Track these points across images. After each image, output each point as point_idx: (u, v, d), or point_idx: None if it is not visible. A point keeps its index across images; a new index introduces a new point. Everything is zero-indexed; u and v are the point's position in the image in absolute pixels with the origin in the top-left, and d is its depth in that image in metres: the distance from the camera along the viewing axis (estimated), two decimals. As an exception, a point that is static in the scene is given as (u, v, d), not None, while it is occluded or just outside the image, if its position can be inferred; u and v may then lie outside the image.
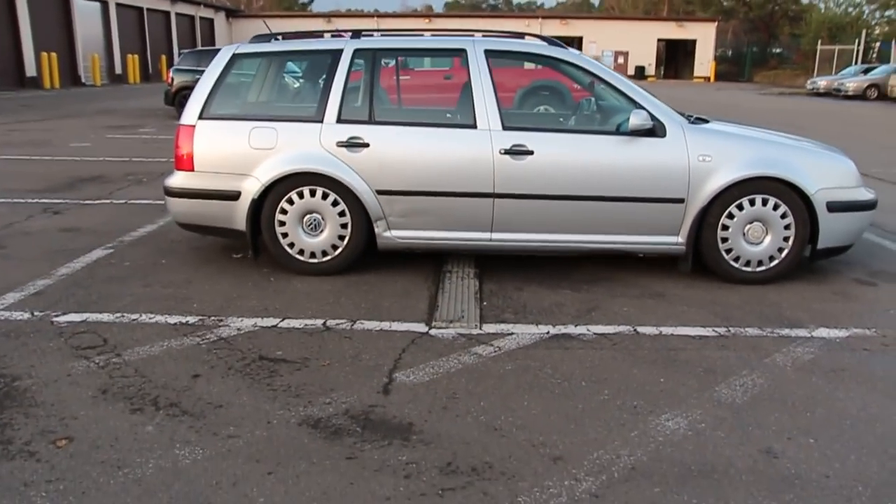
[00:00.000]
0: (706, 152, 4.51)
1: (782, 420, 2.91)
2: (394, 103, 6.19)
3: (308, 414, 2.92)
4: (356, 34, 4.89)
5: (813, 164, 4.63)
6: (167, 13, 38.26)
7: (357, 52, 4.76)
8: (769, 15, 56.11)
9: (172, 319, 3.91)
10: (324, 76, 4.77)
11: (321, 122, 4.64)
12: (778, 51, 55.14)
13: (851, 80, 30.20)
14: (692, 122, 4.69)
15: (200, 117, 4.71)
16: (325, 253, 4.71)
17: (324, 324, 3.89)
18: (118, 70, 33.21)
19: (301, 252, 4.71)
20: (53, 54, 27.14)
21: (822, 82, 32.27)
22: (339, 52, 4.75)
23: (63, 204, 6.81)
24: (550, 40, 4.91)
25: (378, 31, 5.04)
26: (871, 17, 41.46)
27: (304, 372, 3.30)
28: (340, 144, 4.58)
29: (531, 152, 4.51)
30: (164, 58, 36.27)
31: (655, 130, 4.52)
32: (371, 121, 4.71)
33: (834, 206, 4.54)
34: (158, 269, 4.84)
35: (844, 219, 4.61)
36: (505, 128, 4.57)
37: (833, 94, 30.20)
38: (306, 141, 4.63)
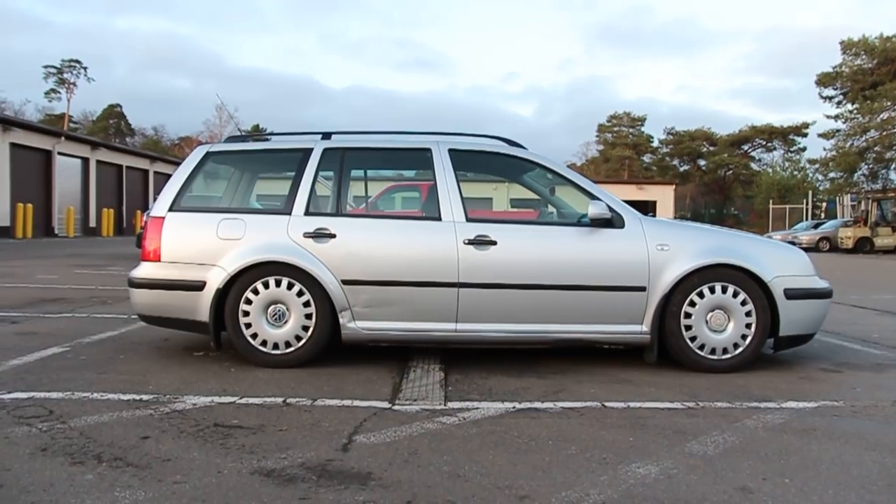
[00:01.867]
0: (664, 242, 4.64)
1: (756, 466, 2.81)
2: (361, 197, 6.34)
3: (261, 466, 2.76)
4: (326, 135, 5.09)
5: (768, 253, 4.77)
6: (146, 171, 39.39)
7: (326, 151, 4.94)
8: (722, 179, 59.41)
9: (126, 397, 3.76)
10: (293, 172, 4.91)
11: (289, 214, 4.72)
12: (735, 212, 57.79)
13: (804, 234, 31.62)
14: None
15: (170, 209, 4.77)
16: (288, 344, 4.62)
17: (283, 401, 3.75)
18: (92, 223, 33.58)
19: (264, 343, 4.62)
20: (29, 205, 27.48)
21: (777, 237, 33.59)
22: (310, 150, 4.93)
23: (22, 316, 6.67)
24: (512, 141, 5.15)
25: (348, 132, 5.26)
26: (814, 179, 44.06)
27: (260, 435, 3.15)
28: (307, 235, 4.64)
29: (494, 242, 4.61)
30: (139, 212, 36.84)
31: (614, 221, 4.67)
32: (338, 213, 4.82)
33: (792, 294, 4.63)
34: (116, 361, 4.69)
35: (803, 306, 4.69)
36: (468, 220, 4.69)
37: (789, 247, 31.42)
38: (274, 232, 4.69)
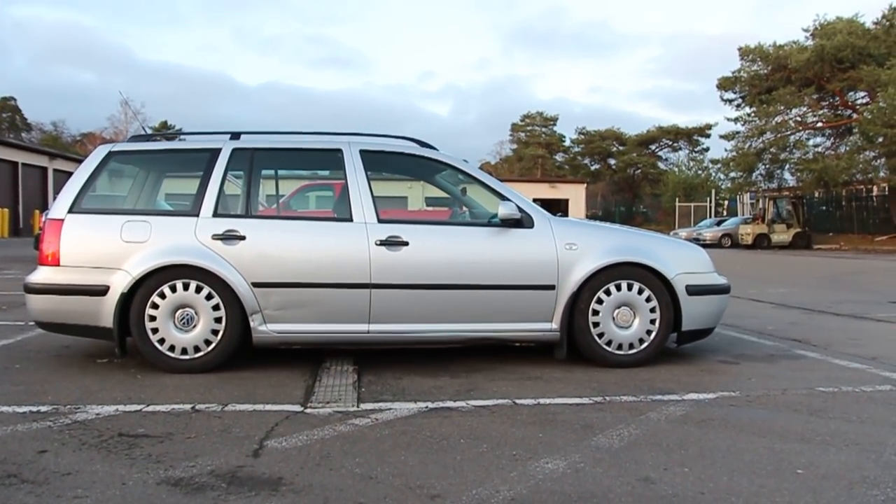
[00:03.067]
0: (572, 241, 4.77)
1: (658, 457, 2.94)
2: (273, 196, 6.25)
3: (169, 476, 2.69)
4: (235, 135, 4.99)
5: (670, 252, 4.98)
6: (44, 168, 37.49)
7: (235, 151, 4.84)
8: (632, 178, 61.32)
9: (22, 409, 3.58)
10: (201, 173, 4.78)
11: (197, 215, 4.61)
12: (643, 209, 59.72)
13: (708, 231, 33.13)
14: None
15: (70, 211, 4.58)
16: (197, 349, 4.51)
17: (192, 408, 3.66)
18: (-15, 224, 31.75)
19: (172, 348, 4.49)
20: (-88, 207, 25.75)
21: (682, 233, 34.94)
22: (218, 150, 4.81)
23: None
24: (422, 142, 5.18)
25: (257, 132, 5.17)
26: (717, 178, 46.07)
27: (168, 443, 3.07)
28: (216, 237, 4.54)
29: (406, 243, 4.63)
30: (37, 212, 35.06)
31: (523, 221, 4.77)
32: (248, 214, 4.74)
33: (693, 290, 4.85)
34: (10, 371, 4.47)
35: (704, 301, 4.91)
36: (380, 220, 4.69)
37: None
38: (181, 234, 4.56)
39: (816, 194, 35.50)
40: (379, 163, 5.19)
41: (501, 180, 5.14)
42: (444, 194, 6.03)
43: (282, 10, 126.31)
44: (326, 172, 9.58)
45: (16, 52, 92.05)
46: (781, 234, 30.23)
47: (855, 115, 33.06)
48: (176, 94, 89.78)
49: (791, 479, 2.71)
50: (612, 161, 63.68)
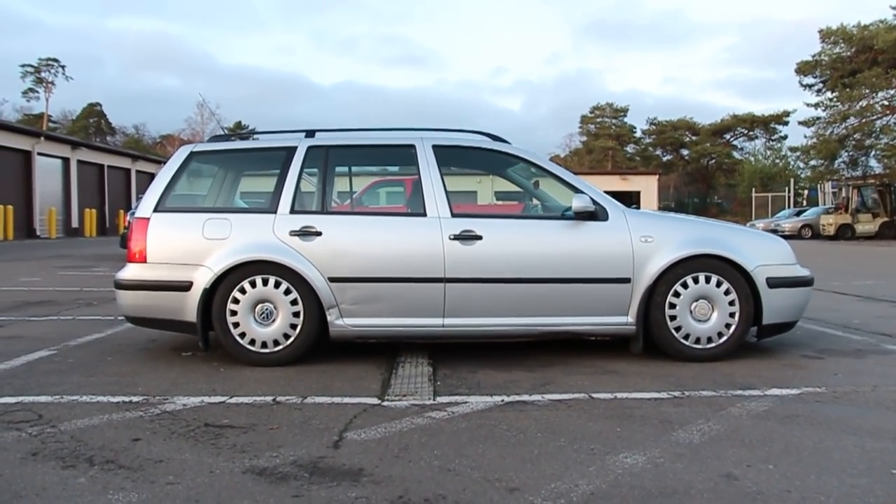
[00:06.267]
0: (648, 233, 4.69)
1: (740, 453, 2.87)
2: (346, 193, 6.36)
3: (253, 465, 2.78)
4: (310, 133, 5.09)
5: (750, 243, 4.83)
6: (128, 170, 39.09)
7: (310, 149, 4.94)
8: (705, 168, 59.75)
9: (116, 399, 3.76)
10: (278, 171, 4.90)
11: (275, 212, 4.73)
12: (718, 200, 58.16)
13: (787, 222, 32.00)
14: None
15: (155, 210, 4.77)
16: (276, 342, 4.63)
17: (273, 400, 3.77)
18: (75, 224, 33.31)
19: (252, 342, 4.63)
20: (10, 207, 27.23)
21: (760, 224, 33.88)
22: (294, 148, 4.93)
23: (6, 320, 6.63)
24: (495, 136, 5.18)
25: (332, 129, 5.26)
26: (796, 166, 44.43)
27: (251, 434, 3.17)
28: (293, 233, 4.65)
29: (480, 237, 4.64)
30: (121, 212, 36.59)
31: (598, 214, 4.71)
32: (323, 210, 4.83)
33: (774, 282, 4.70)
34: (104, 364, 4.69)
35: (785, 294, 4.76)
36: (454, 215, 4.71)
37: (771, 234, 31.80)
38: (259, 231, 4.69)
39: (905, 182, 33.79)
40: (451, 157, 5.22)
41: (573, 173, 5.09)
42: (514, 188, 6.01)
43: (357, 11, 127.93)
44: (398, 168, 9.69)
45: (108, 61, 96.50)
46: (867, 224, 28.92)
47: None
48: (253, 95, 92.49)
49: (885, 479, 2.60)
50: (684, 151, 62.23)
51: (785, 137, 55.42)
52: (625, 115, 67.31)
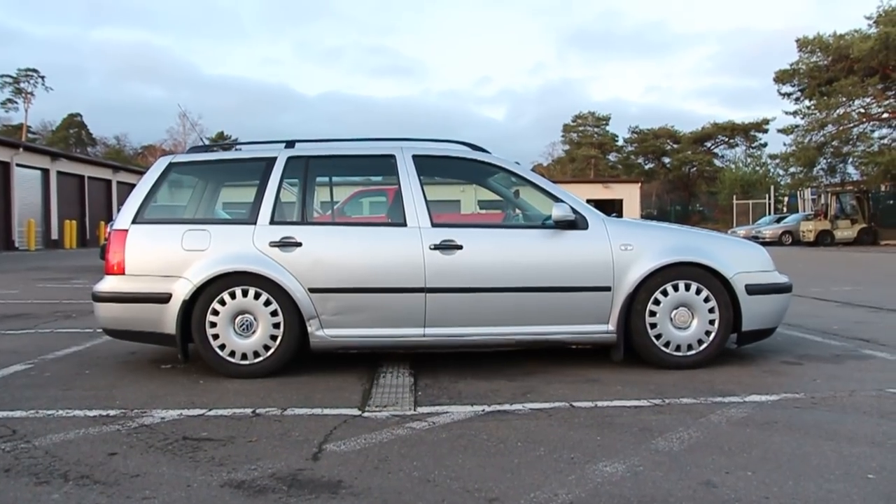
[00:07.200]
0: (627, 242, 4.71)
1: (719, 460, 2.88)
2: (327, 202, 6.34)
3: (231, 478, 2.75)
4: (290, 143, 5.08)
5: (728, 251, 4.87)
6: (108, 181, 38.78)
7: (290, 160, 4.92)
8: (687, 176, 60.22)
9: (93, 413, 3.71)
10: (258, 181, 4.88)
11: (254, 223, 4.70)
12: (700, 208, 58.57)
13: (768, 229, 32.31)
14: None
15: (134, 221, 4.73)
16: (257, 354, 4.60)
17: (253, 412, 3.74)
18: (54, 235, 32.96)
19: (232, 354, 4.60)
20: (-13, 219, 26.94)
21: (741, 231, 34.17)
22: (274, 159, 4.91)
23: (-17, 334, 6.54)
24: (475, 146, 5.19)
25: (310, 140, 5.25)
26: (775, 174, 44.89)
27: (230, 447, 3.14)
28: (273, 244, 4.63)
29: (460, 247, 4.64)
30: (102, 224, 36.28)
31: (578, 223, 4.73)
32: (304, 221, 4.82)
33: (753, 289, 4.74)
34: (81, 377, 4.63)
35: (764, 301, 4.79)
36: (434, 224, 4.71)
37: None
38: (239, 242, 4.66)
39: (883, 188, 34.22)
40: (431, 167, 5.22)
41: (554, 182, 5.11)
42: (497, 197, 6.02)
43: (343, 22, 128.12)
44: (380, 178, 9.68)
45: (91, 72, 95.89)
46: (845, 231, 29.27)
47: (923, 105, 31.81)
48: (238, 105, 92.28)
49: (861, 483, 2.62)
50: (666, 160, 62.70)
51: (765, 145, 56.06)
52: (607, 124, 67.84)
